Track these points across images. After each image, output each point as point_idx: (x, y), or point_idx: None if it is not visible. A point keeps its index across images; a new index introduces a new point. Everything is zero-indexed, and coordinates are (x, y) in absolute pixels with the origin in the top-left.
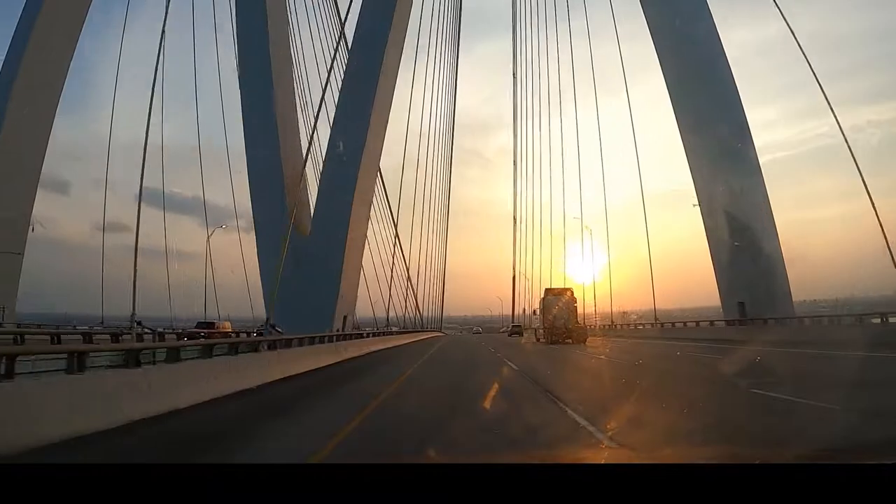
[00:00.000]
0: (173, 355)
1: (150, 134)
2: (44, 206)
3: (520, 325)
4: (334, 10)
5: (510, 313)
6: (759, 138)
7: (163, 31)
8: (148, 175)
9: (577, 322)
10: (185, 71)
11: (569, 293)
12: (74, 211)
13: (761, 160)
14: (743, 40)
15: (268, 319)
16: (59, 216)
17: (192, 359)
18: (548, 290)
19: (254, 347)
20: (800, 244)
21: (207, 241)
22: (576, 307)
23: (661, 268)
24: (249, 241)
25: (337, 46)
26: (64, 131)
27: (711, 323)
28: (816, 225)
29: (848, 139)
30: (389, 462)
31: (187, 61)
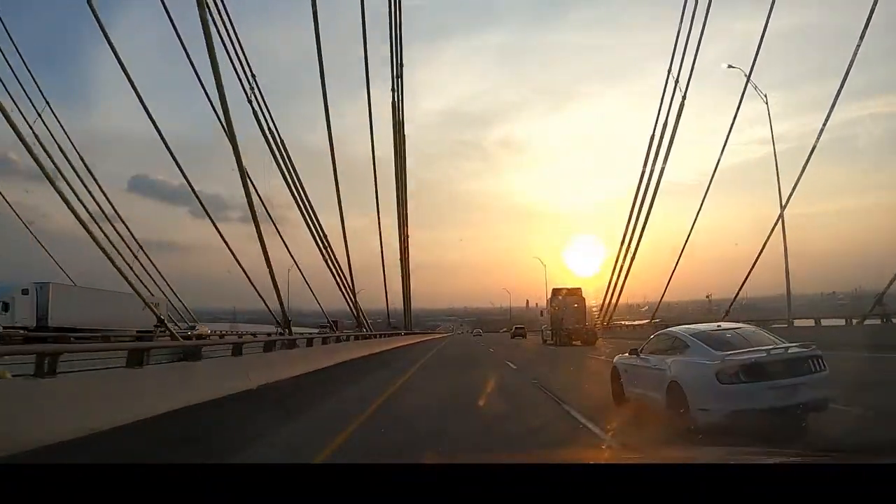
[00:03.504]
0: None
1: (148, 126)
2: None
3: (523, 327)
4: None
5: (509, 306)
6: (762, 130)
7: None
8: (145, 167)
9: (585, 323)
10: (182, 63)
11: (577, 293)
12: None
13: (764, 153)
14: (746, 31)
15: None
16: (49, 208)
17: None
18: (555, 290)
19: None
20: (811, 237)
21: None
22: (585, 307)
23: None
24: (245, 233)
25: None
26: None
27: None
28: (824, 218)
29: (851, 132)
30: (389, 462)
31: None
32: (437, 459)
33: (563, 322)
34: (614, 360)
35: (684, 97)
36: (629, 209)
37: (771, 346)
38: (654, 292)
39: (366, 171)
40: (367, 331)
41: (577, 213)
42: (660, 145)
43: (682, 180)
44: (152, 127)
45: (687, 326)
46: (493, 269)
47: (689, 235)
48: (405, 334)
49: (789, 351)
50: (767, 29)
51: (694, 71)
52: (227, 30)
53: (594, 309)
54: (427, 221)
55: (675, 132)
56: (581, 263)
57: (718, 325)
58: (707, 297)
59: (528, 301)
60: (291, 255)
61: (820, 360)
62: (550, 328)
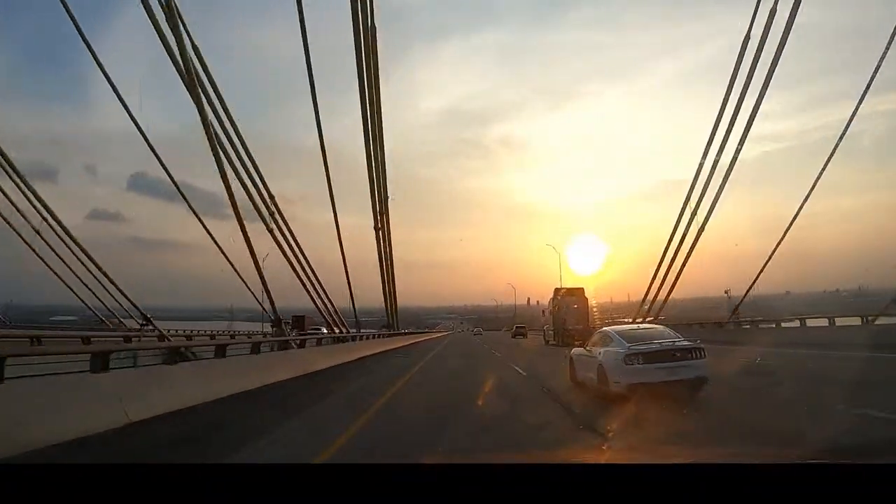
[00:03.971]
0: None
1: (147, 123)
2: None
3: (523, 326)
4: None
5: (512, 303)
6: (766, 128)
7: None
8: (143, 163)
9: (588, 323)
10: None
11: (579, 293)
12: (66, 199)
13: (763, 150)
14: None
15: None
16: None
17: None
18: (558, 290)
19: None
20: (816, 235)
21: None
22: (587, 307)
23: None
24: (247, 230)
25: None
26: (55, 121)
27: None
28: (826, 216)
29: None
30: (389, 462)
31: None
32: (437, 459)
33: (566, 322)
34: (571, 353)
35: None
36: (687, 192)
37: (665, 340)
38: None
39: (366, 171)
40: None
41: (580, 212)
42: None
43: (686, 178)
44: (154, 125)
45: (615, 326)
46: (494, 267)
47: (787, 230)
48: (388, 336)
49: (676, 344)
50: (768, 26)
51: (694, 70)
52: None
53: (594, 309)
54: (428, 219)
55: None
56: (583, 262)
57: (637, 326)
58: (725, 292)
59: (529, 299)
60: (217, 244)
61: (701, 351)
62: (553, 328)
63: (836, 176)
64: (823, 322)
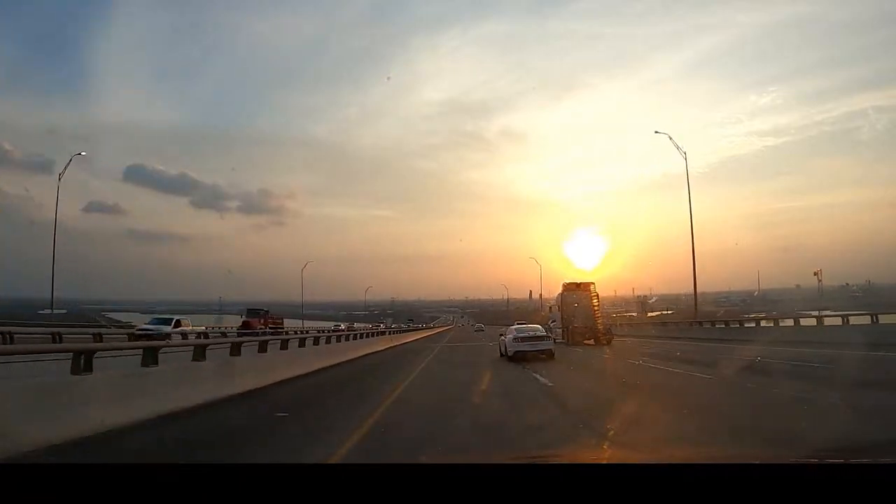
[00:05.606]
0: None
1: (147, 116)
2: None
3: (524, 322)
4: None
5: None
6: (766, 122)
7: None
8: (139, 156)
9: (598, 319)
10: (181, 53)
11: (590, 287)
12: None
13: (766, 144)
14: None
15: None
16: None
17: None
18: (566, 285)
19: None
20: (825, 229)
21: None
22: (598, 303)
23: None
24: (245, 224)
25: None
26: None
27: None
28: (827, 210)
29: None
30: (389, 462)
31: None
32: (437, 459)
33: (574, 319)
34: (500, 338)
35: None
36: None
37: (533, 332)
38: (659, 285)
39: (367, 164)
40: None
41: (581, 206)
42: None
43: (682, 171)
44: (151, 117)
45: (517, 325)
46: (495, 261)
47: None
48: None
49: (537, 334)
50: (770, 20)
51: (696, 63)
52: None
53: (597, 306)
54: (428, 213)
55: None
56: (586, 255)
57: (526, 325)
58: (815, 273)
59: (531, 292)
60: None
61: (549, 338)
62: (560, 325)
63: (849, 170)
64: (829, 320)
